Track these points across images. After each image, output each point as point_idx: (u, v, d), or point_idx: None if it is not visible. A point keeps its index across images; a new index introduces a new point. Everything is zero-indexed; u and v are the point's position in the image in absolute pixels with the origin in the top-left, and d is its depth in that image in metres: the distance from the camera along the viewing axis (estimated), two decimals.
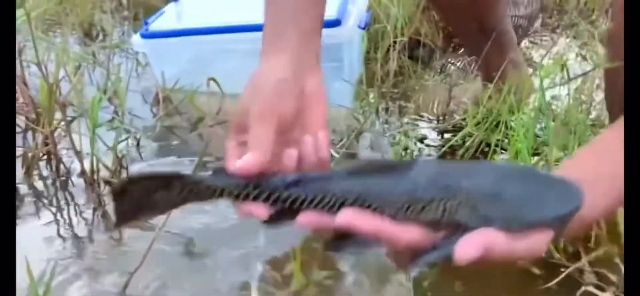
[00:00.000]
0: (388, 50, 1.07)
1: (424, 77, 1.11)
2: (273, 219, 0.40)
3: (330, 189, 0.38)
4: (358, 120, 0.95)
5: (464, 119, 0.87)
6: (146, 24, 1.09)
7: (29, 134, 0.89)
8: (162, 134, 0.94)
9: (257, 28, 0.94)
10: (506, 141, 0.82)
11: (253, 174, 0.40)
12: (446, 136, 0.90)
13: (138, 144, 0.89)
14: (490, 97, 0.82)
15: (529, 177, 0.39)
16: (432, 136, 0.91)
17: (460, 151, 0.83)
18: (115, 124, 0.91)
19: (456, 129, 0.89)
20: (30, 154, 0.79)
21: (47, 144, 0.77)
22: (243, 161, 0.40)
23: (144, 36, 1.01)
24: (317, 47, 0.50)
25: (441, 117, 0.94)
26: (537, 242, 0.38)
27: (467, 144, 0.82)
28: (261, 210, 0.40)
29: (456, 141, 0.84)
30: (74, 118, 0.85)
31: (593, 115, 0.94)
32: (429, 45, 1.20)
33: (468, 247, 0.35)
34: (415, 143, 0.87)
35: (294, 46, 0.48)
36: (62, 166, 0.79)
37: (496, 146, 0.78)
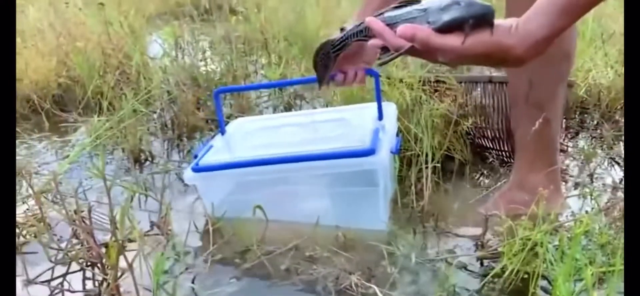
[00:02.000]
0: (420, 170, 1.14)
1: (457, 194, 1.16)
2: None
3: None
4: (395, 246, 1.00)
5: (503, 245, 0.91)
6: (195, 157, 1.18)
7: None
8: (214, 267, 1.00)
9: (298, 159, 1.03)
10: (544, 266, 0.85)
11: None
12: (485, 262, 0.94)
13: (193, 281, 0.95)
14: (524, 228, 0.86)
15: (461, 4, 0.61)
16: (472, 263, 0.94)
17: (500, 280, 0.87)
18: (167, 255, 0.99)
19: (495, 255, 0.93)
20: None
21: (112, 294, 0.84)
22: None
23: (195, 170, 1.10)
24: None
25: (479, 243, 0.97)
26: (452, 40, 0.61)
27: (506, 275, 0.86)
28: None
29: (495, 272, 0.87)
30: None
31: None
32: (460, 159, 1.26)
33: (405, 27, 0.62)
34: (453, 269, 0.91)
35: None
36: None
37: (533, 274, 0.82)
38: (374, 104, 1.12)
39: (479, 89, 1.24)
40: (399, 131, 1.17)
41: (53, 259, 0.99)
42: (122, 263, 0.85)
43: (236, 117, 1.77)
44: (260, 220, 1.09)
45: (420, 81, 1.24)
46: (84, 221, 1.06)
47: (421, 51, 0.63)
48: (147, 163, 1.50)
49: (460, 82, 1.26)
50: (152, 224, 1.13)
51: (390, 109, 1.17)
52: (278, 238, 1.06)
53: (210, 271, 0.98)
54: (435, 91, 1.25)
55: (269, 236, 1.07)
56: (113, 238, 0.80)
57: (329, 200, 1.07)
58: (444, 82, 1.24)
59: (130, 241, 1.03)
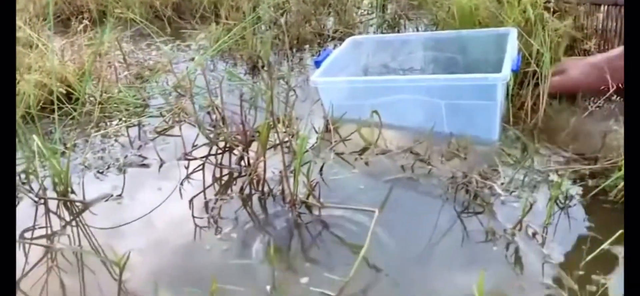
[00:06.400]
0: (535, 88, 1.16)
1: (571, 114, 1.19)
2: None
3: None
4: (507, 155, 1.05)
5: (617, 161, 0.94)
6: (316, 63, 1.28)
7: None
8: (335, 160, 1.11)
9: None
10: None
11: None
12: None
13: (321, 168, 1.06)
14: None
15: None
16: (584, 176, 0.98)
17: (613, 192, 0.91)
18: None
19: (608, 170, 0.97)
20: (237, 175, 0.99)
21: (256, 170, 0.97)
22: None
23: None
24: None
25: (593, 158, 1.01)
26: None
27: (619, 186, 0.89)
28: None
29: (607, 184, 0.91)
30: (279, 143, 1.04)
31: None
32: None
33: None
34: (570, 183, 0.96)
35: None
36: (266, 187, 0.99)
37: None
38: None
39: (602, 11, 1.22)
40: (519, 49, 1.19)
41: (199, 140, 1.14)
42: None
43: (341, 33, 1.85)
44: (376, 124, 1.17)
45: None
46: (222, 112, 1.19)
47: None
48: (264, 70, 1.62)
49: (582, 4, 1.24)
50: (278, 120, 1.25)
51: (512, 32, 1.21)
52: (393, 141, 1.15)
53: (333, 163, 1.09)
54: (555, 11, 1.25)
55: (385, 139, 1.15)
56: (266, 119, 0.92)
57: (445, 110, 1.13)
58: (567, 2, 1.23)
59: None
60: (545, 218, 0.87)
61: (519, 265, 0.79)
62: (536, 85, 1.15)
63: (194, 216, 0.95)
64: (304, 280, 0.78)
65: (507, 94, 1.21)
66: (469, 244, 0.84)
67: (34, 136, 1.01)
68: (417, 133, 1.15)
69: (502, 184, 0.97)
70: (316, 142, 1.16)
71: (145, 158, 1.14)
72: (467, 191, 0.96)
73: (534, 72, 1.16)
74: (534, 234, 0.85)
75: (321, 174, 1.05)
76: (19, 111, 1.19)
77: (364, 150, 1.13)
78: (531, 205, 0.87)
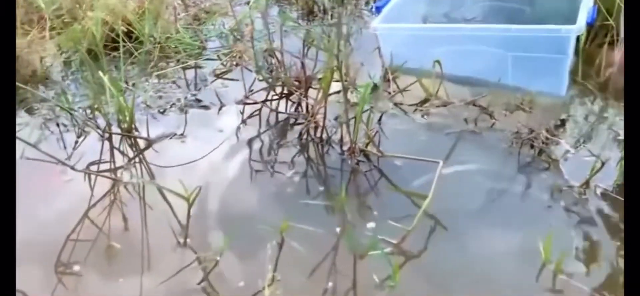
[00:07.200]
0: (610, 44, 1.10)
1: None
2: None
3: None
4: (576, 111, 1.01)
5: None
6: (378, 9, 1.24)
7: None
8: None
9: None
10: None
11: None
12: None
13: (380, 118, 1.05)
14: None
15: None
16: None
17: None
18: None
19: None
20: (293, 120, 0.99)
21: (315, 116, 0.96)
22: None
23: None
24: None
25: None
26: None
27: None
28: None
29: None
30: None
31: None
32: None
33: None
34: None
35: None
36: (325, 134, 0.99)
37: None
38: None
39: None
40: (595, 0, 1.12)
41: (256, 85, 1.14)
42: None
43: None
44: (437, 75, 1.14)
45: None
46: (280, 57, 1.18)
47: None
48: (319, 16, 1.59)
49: None
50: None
51: None
52: (455, 92, 1.11)
53: (392, 113, 1.07)
54: None
55: (446, 90, 1.12)
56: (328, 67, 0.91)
57: (511, 62, 1.08)
58: None
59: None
60: (616, 177, 0.83)
61: (586, 224, 0.77)
62: (611, 42, 1.09)
63: (252, 159, 0.96)
64: (371, 224, 0.78)
65: (577, 48, 1.15)
66: (534, 201, 0.82)
67: (100, 73, 1.04)
68: (480, 85, 1.11)
69: (571, 139, 0.93)
70: (374, 92, 1.14)
71: (201, 100, 1.16)
72: (532, 146, 0.93)
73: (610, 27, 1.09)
74: (603, 194, 0.82)
75: (379, 124, 1.03)
76: (84, 47, 1.22)
77: (424, 101, 1.10)
78: (603, 164, 0.83)
